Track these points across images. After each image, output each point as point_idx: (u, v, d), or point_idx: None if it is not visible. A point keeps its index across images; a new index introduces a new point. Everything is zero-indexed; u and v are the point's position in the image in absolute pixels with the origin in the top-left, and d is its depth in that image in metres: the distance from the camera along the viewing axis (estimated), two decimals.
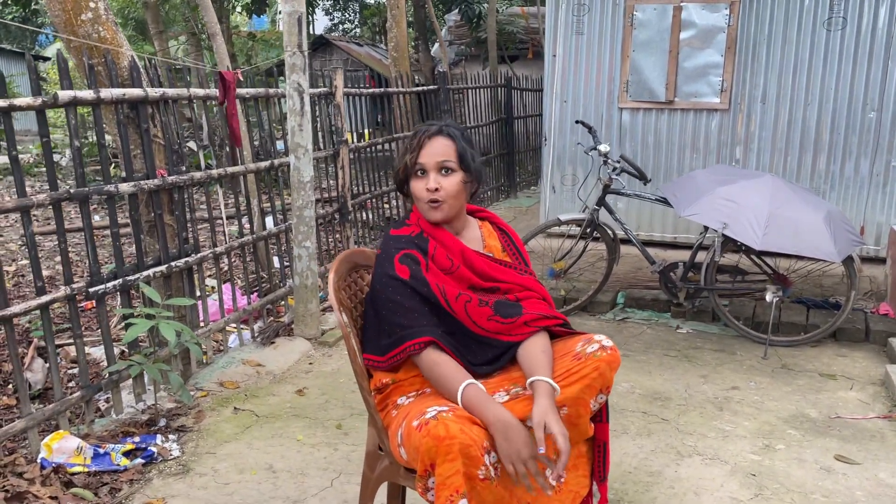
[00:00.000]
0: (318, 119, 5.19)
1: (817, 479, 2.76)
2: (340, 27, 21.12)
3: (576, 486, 1.96)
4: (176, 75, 3.88)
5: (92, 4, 3.44)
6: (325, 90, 5.09)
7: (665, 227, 5.65)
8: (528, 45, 13.82)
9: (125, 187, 3.23)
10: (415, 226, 2.06)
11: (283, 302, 4.61)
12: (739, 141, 5.39)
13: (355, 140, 5.73)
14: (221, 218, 4.17)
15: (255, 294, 4.53)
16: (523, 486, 1.77)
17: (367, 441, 2.10)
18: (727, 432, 3.13)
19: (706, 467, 2.84)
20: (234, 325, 4.16)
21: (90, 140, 10.77)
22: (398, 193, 2.33)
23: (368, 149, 5.87)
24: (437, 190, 1.97)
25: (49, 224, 7.98)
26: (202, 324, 3.83)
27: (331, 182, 6.31)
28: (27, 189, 4.48)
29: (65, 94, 2.88)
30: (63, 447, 2.77)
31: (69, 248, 3.87)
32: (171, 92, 3.49)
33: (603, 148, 4.42)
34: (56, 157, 11.16)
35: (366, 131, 6.30)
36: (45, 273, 5.33)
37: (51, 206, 2.90)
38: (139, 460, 2.83)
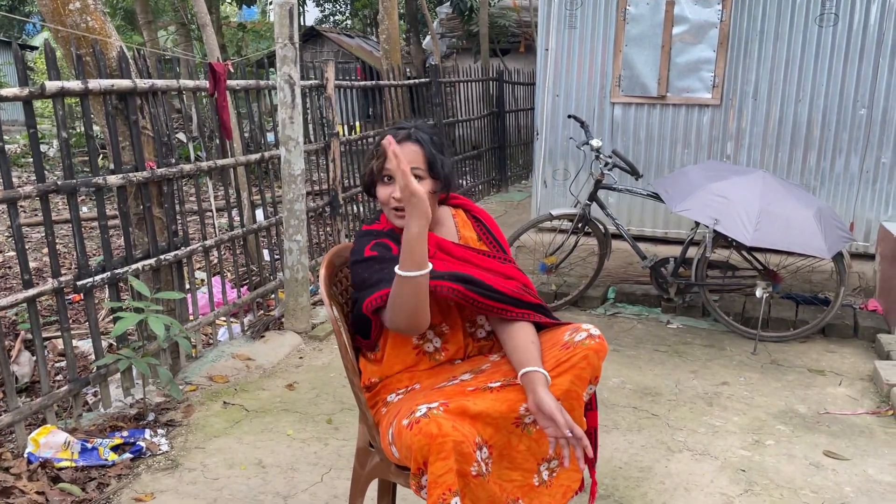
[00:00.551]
0: (309, 111, 5.15)
1: (806, 474, 2.78)
2: (331, 18, 21.03)
3: (567, 480, 1.96)
4: (165, 66, 3.84)
5: None
6: (316, 82, 5.06)
7: (656, 222, 5.65)
8: (520, 38, 13.81)
9: (114, 179, 3.19)
10: (387, 223, 2.04)
11: (273, 296, 4.58)
12: (731, 136, 5.39)
13: (346, 133, 5.69)
14: (211, 210, 4.14)
15: (245, 288, 4.51)
16: (515, 481, 1.77)
17: (358, 437, 2.09)
18: (717, 428, 3.15)
19: (696, 463, 2.85)
20: (223, 318, 4.14)
21: (78, 131, 10.67)
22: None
23: (359, 141, 5.84)
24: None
25: (36, 215, 7.90)
26: (191, 317, 3.80)
27: (321, 175, 6.28)
28: (14, 180, 4.42)
29: (52, 85, 2.84)
30: (50, 442, 2.75)
31: (57, 240, 3.83)
32: (160, 83, 3.45)
33: (595, 143, 4.41)
34: (43, 148, 11.09)
35: (357, 124, 6.26)
36: (32, 265, 5.28)
37: (38, 198, 2.87)
38: (127, 455, 2.81)
